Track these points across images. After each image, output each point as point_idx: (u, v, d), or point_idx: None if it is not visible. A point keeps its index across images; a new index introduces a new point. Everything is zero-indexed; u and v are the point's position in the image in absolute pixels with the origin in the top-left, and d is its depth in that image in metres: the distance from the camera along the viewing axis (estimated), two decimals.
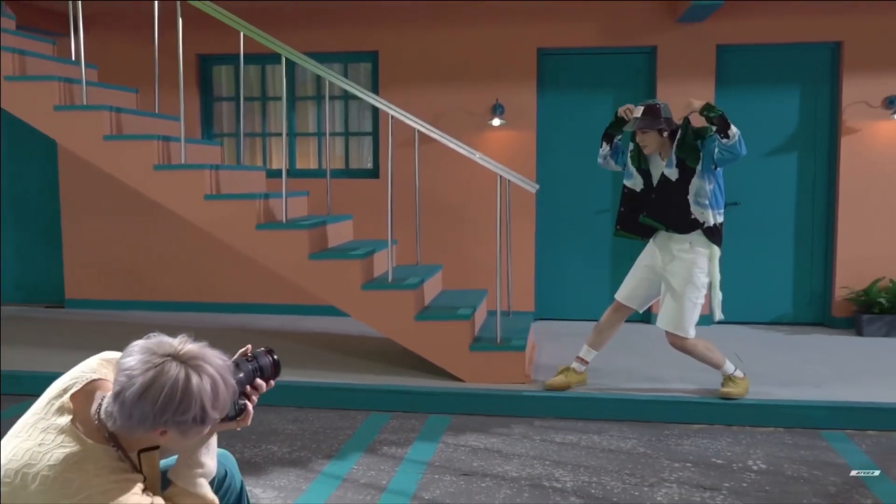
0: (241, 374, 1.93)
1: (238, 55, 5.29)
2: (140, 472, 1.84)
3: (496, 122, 6.65)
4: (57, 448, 1.72)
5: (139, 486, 1.78)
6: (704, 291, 4.48)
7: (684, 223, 4.38)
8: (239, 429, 2.03)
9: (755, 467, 3.85)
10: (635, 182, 4.59)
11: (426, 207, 6.51)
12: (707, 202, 4.33)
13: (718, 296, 4.48)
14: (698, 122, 4.37)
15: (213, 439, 1.96)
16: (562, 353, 5.34)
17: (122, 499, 1.72)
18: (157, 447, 1.90)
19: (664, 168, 4.44)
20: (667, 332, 4.54)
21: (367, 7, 6.64)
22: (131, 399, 1.67)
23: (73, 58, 5.60)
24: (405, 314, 4.95)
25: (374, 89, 6.89)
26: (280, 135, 7.09)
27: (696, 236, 4.40)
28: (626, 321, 4.87)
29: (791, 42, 6.44)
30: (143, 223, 7.16)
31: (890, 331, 6.16)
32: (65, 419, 1.77)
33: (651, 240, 4.65)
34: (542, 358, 5.50)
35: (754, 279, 6.65)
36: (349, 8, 6.67)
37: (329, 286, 5.02)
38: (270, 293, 7.03)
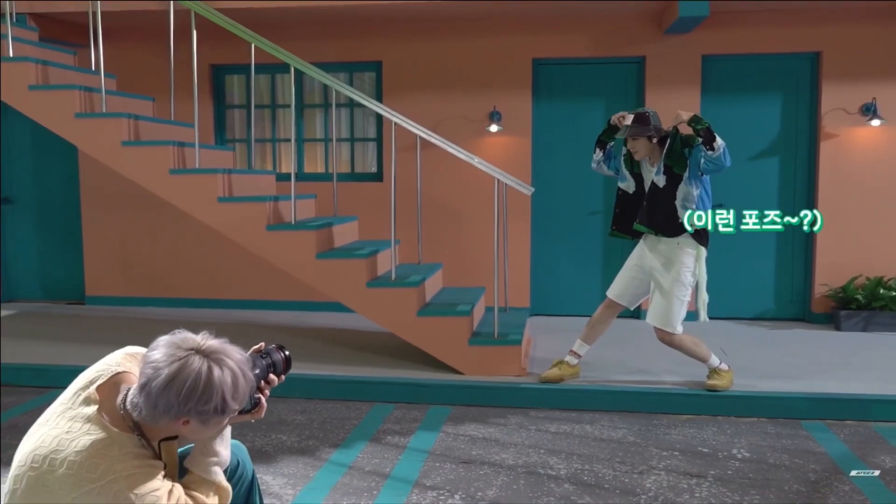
0: (257, 370, 1.94)
1: (249, 65, 5.29)
2: (160, 459, 1.84)
3: (493, 128, 6.64)
4: (84, 435, 1.73)
5: (161, 473, 1.79)
6: (691, 290, 4.48)
7: (673, 227, 4.38)
8: (253, 421, 2.03)
9: (739, 455, 3.85)
10: (628, 185, 4.59)
11: (427, 209, 6.50)
12: (694, 207, 4.33)
13: (704, 297, 4.48)
14: (687, 131, 4.37)
15: (228, 430, 1.96)
16: (556, 346, 5.33)
17: (145, 484, 1.72)
18: (175, 437, 1.90)
19: (653, 175, 4.44)
20: (655, 328, 4.54)
21: (372, 19, 6.63)
22: (157, 390, 1.68)
23: (93, 68, 5.59)
24: (408, 310, 4.94)
25: (378, 97, 6.88)
26: (289, 140, 7.07)
27: (684, 238, 4.40)
28: (618, 317, 4.87)
29: (773, 52, 6.43)
30: (161, 223, 7.15)
31: (866, 326, 6.16)
32: (91, 409, 1.78)
33: (640, 240, 4.65)
34: (537, 352, 5.49)
35: (738, 277, 6.64)
36: (354, 20, 6.66)
37: (335, 284, 5.02)
38: (279, 290, 7.02)
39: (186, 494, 1.83)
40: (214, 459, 1.92)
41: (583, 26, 6.54)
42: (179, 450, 1.98)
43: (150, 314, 6.87)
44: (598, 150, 4.64)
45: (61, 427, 1.76)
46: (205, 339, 1.77)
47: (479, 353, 4.88)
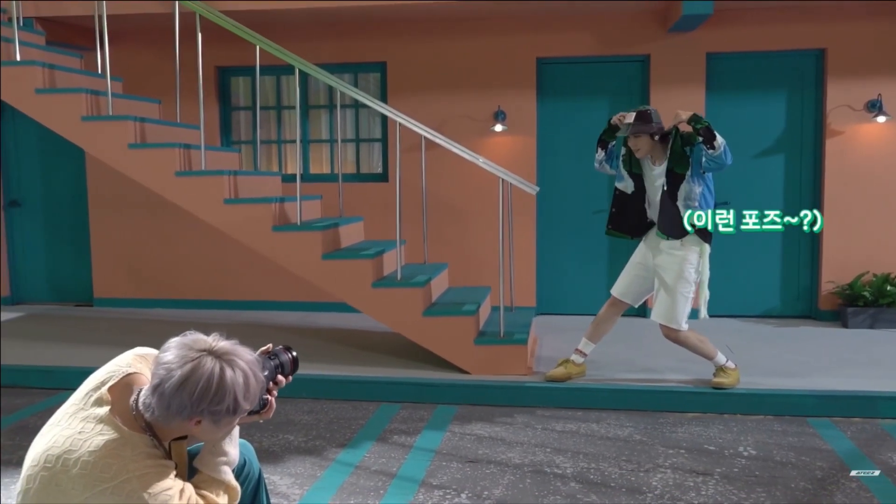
0: (266, 371, 1.96)
1: (254, 67, 5.32)
2: (171, 459, 1.87)
3: (498, 127, 6.65)
4: (97, 436, 1.75)
5: (172, 472, 1.81)
6: (695, 287, 4.48)
7: (678, 228, 4.38)
8: (261, 421, 2.05)
9: (745, 453, 3.85)
10: (626, 185, 4.60)
11: (433, 209, 6.51)
12: (696, 204, 4.34)
13: (706, 294, 4.49)
14: (688, 129, 4.37)
15: (236, 430, 1.98)
16: (562, 345, 5.34)
17: (158, 483, 1.74)
18: (185, 437, 1.92)
19: (654, 176, 4.46)
20: (661, 325, 4.55)
21: (376, 20, 6.64)
22: (170, 390, 1.71)
23: (100, 71, 5.62)
24: (413, 310, 4.95)
25: (383, 98, 6.90)
26: (294, 142, 7.10)
27: (688, 237, 4.40)
28: (623, 315, 4.87)
29: (777, 50, 6.42)
30: (168, 225, 7.18)
31: (874, 323, 6.14)
32: (103, 409, 1.80)
33: (643, 239, 4.66)
34: (543, 350, 5.50)
35: (744, 274, 6.63)
36: (359, 21, 6.67)
37: (341, 284, 5.03)
38: (286, 291, 7.05)
39: (197, 493, 1.85)
40: (223, 459, 1.94)
41: (587, 25, 6.54)
42: (188, 448, 2.00)
43: (158, 315, 6.90)
44: (599, 149, 4.65)
45: (74, 428, 1.78)
46: (216, 341, 1.79)
47: (485, 353, 4.89)
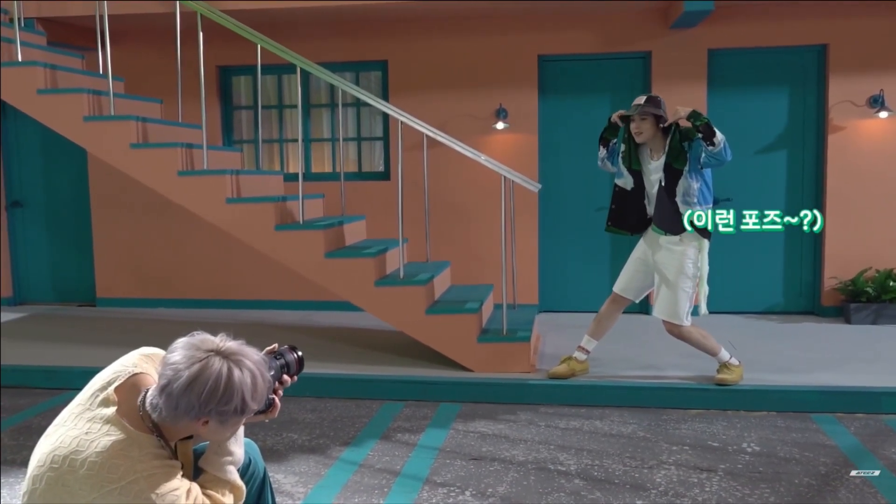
0: (272, 371, 1.96)
1: (256, 66, 5.32)
2: (177, 459, 1.87)
3: (500, 125, 6.64)
4: (104, 436, 1.75)
5: (179, 472, 1.81)
6: (696, 281, 4.48)
7: (676, 224, 4.38)
8: (267, 420, 2.05)
9: (749, 449, 3.85)
10: (626, 181, 4.60)
11: (435, 207, 6.51)
12: (695, 200, 4.34)
13: (705, 289, 4.50)
14: (687, 125, 4.37)
15: (241, 430, 1.98)
16: (565, 343, 5.34)
17: (165, 483, 1.74)
18: (191, 437, 1.92)
19: (652, 172, 4.45)
20: (664, 321, 4.54)
21: (377, 19, 6.64)
22: (178, 391, 1.71)
23: (101, 71, 5.63)
24: (416, 308, 4.95)
25: (384, 96, 6.89)
26: (296, 140, 7.10)
27: (687, 233, 4.40)
28: (625, 312, 4.88)
29: (779, 45, 6.41)
30: (170, 225, 7.18)
31: (876, 319, 6.13)
32: (110, 410, 1.80)
33: (643, 235, 4.66)
34: (546, 348, 5.50)
35: (747, 271, 6.62)
36: (360, 20, 6.67)
37: (344, 283, 5.03)
38: (289, 290, 7.05)
39: (203, 493, 1.86)
40: (229, 459, 1.94)
41: (588, 22, 6.53)
42: (194, 447, 2.00)
43: (161, 315, 6.91)
44: (601, 147, 4.66)
45: (80, 428, 1.78)
46: (223, 341, 1.79)
47: (488, 351, 4.89)
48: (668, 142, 4.38)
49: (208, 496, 1.87)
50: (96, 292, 7.48)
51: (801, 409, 4.41)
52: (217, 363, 1.73)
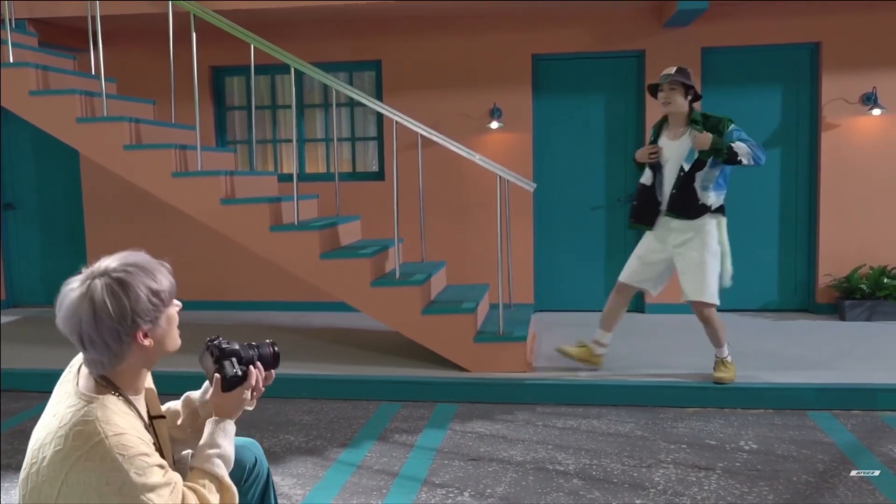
0: (248, 353, 1.95)
1: (249, 66, 5.28)
2: (152, 433, 1.83)
3: (494, 124, 6.63)
4: (66, 410, 1.70)
5: (150, 441, 1.74)
6: (719, 259, 4.50)
7: (693, 209, 4.43)
8: (251, 405, 2.00)
9: (747, 447, 3.84)
10: (646, 177, 4.63)
11: (430, 207, 6.50)
12: (712, 187, 4.41)
13: (729, 268, 4.53)
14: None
15: (231, 425, 1.92)
16: (561, 341, 5.31)
17: (132, 446, 1.66)
18: (163, 417, 1.90)
19: (673, 148, 4.47)
20: (693, 302, 4.51)
21: (371, 18, 6.61)
22: (88, 329, 1.68)
23: (93, 72, 5.59)
24: (412, 309, 4.93)
25: (378, 96, 6.87)
26: (290, 141, 7.07)
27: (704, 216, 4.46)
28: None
29: (772, 43, 6.41)
30: (163, 225, 7.14)
31: (871, 315, 6.15)
32: (70, 387, 1.77)
33: (654, 227, 4.64)
34: (542, 347, 5.49)
35: (742, 268, 6.56)
36: (353, 20, 6.64)
37: (340, 284, 5.01)
38: (284, 291, 7.02)
39: (186, 486, 1.77)
40: (216, 451, 1.86)
41: (582, 21, 6.52)
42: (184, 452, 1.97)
43: None
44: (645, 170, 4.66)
45: (49, 416, 1.74)
46: (99, 264, 1.76)
47: (484, 350, 4.87)
48: (688, 121, 4.43)
49: (193, 490, 1.78)
50: None
51: (797, 406, 4.41)
52: (99, 283, 1.70)
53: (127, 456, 1.64)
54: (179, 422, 2.11)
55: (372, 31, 6.76)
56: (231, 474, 1.91)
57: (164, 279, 1.78)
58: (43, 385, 4.95)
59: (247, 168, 7.06)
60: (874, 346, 5.37)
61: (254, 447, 2.22)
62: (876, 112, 6.22)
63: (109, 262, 1.75)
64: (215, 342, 1.95)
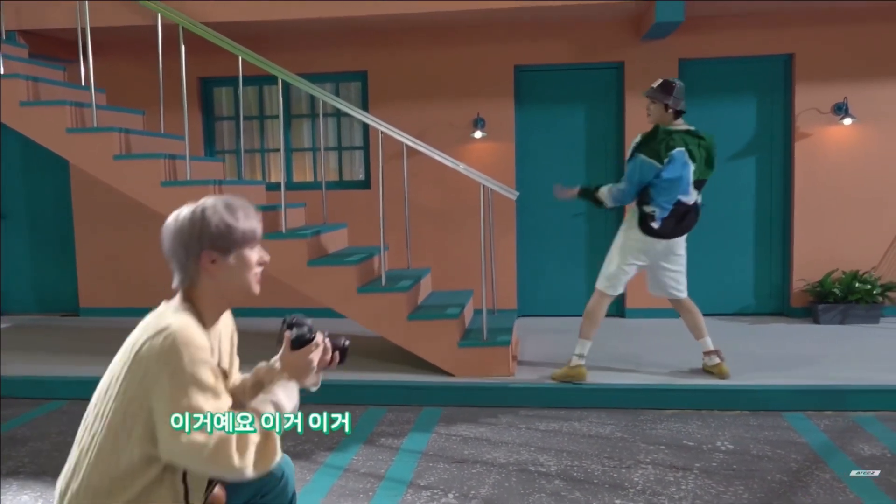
0: (304, 328, 2.03)
1: (237, 77, 5.30)
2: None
3: (478, 134, 6.67)
4: (149, 316, 1.88)
5: (209, 346, 1.80)
6: (623, 255, 4.74)
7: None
8: (315, 383, 2.07)
9: (723, 448, 3.89)
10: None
11: (416, 214, 6.52)
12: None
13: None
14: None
15: (293, 385, 1.95)
16: (543, 347, 5.37)
17: (195, 340, 1.75)
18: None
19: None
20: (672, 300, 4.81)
21: (357, 31, 6.64)
22: (169, 239, 1.88)
23: (83, 83, 5.58)
24: (398, 315, 4.95)
25: (364, 106, 6.90)
26: (278, 150, 7.08)
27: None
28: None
29: (747, 55, 6.50)
30: (154, 233, 7.08)
31: (844, 318, 6.23)
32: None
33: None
34: (525, 353, 5.52)
35: (718, 274, 6.70)
36: (339, 32, 6.67)
37: (327, 290, 5.02)
38: (274, 297, 6.98)
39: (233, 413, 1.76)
40: (272, 398, 1.86)
41: (562, 33, 6.58)
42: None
43: None
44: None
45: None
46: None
47: (468, 355, 4.90)
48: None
49: (237, 417, 1.75)
50: (79, 302, 7.39)
51: (772, 407, 4.47)
52: (187, 208, 1.90)
53: (188, 344, 1.73)
54: (244, 389, 2.15)
55: (358, 43, 6.79)
56: (254, 480, 1.86)
57: (245, 221, 1.91)
58: (34, 392, 4.94)
59: (235, 177, 7.06)
60: (846, 348, 5.44)
61: (287, 466, 2.19)
62: (847, 122, 6.31)
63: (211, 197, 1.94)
64: (292, 317, 2.06)
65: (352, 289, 4.98)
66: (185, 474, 1.84)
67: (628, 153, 4.72)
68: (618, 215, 6.63)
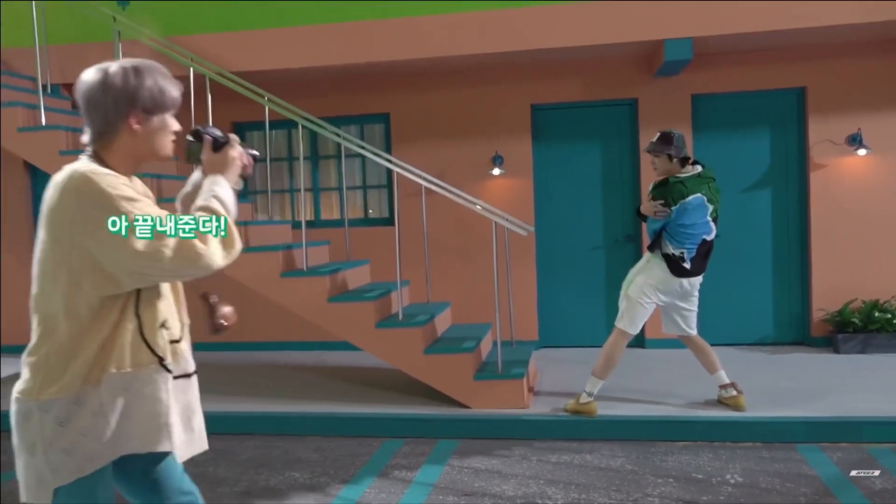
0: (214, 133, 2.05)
1: (264, 122, 5.45)
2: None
3: (496, 171, 6.74)
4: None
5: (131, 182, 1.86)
6: (645, 296, 4.71)
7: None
8: (243, 172, 2.09)
9: (732, 481, 3.83)
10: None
11: (436, 250, 6.59)
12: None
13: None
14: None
15: (222, 179, 1.98)
16: (564, 377, 5.35)
17: (105, 173, 1.77)
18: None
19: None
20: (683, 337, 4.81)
21: (379, 75, 6.80)
22: (97, 93, 1.82)
23: None
24: (415, 349, 4.99)
25: (388, 147, 7.03)
26: (306, 190, 7.22)
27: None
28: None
29: (759, 89, 6.48)
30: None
31: (864, 348, 6.09)
32: None
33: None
34: (543, 384, 5.50)
35: (738, 304, 6.61)
36: (363, 76, 6.84)
37: (346, 326, 5.09)
38: (293, 332, 7.10)
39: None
40: (212, 192, 1.91)
41: (577, 72, 6.65)
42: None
43: None
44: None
45: None
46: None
47: (484, 388, 4.90)
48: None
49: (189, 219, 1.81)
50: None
51: (786, 439, 4.37)
52: (116, 64, 1.84)
53: (107, 177, 1.75)
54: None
55: (381, 87, 6.95)
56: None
57: (174, 88, 1.91)
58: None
59: (265, 216, 7.22)
60: (866, 378, 5.31)
61: (196, 495, 2.11)
62: (861, 152, 6.23)
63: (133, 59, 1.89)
64: (200, 126, 2.08)
65: (370, 324, 5.04)
66: (137, 308, 1.86)
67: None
68: (636, 249, 6.61)
